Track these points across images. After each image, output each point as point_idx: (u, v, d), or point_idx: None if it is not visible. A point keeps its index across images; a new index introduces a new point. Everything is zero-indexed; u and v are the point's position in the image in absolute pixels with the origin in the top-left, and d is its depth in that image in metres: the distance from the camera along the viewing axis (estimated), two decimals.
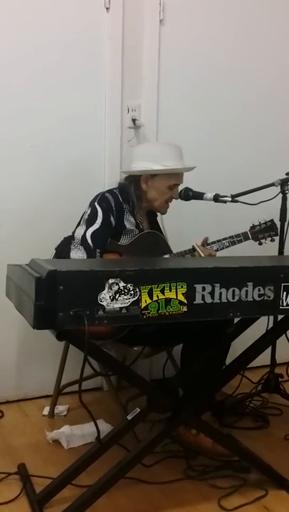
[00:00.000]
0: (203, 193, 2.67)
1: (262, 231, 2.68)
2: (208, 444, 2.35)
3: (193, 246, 2.60)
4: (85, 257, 2.39)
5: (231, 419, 2.72)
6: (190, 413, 2.13)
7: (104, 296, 1.65)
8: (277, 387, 2.92)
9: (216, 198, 2.63)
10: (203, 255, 2.54)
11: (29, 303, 1.64)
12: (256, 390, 2.95)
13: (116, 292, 1.66)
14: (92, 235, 2.43)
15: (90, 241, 2.41)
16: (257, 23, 3.24)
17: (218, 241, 2.63)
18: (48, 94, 2.82)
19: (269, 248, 2.79)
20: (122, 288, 1.66)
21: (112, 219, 2.49)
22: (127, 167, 2.62)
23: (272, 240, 2.71)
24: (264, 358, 2.70)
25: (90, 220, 2.46)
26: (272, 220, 2.69)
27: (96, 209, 2.49)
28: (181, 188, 2.69)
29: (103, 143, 2.96)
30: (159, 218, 3.04)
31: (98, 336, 2.23)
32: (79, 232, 2.45)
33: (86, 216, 2.50)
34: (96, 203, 2.51)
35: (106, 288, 1.65)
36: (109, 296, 1.66)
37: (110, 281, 1.65)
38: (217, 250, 2.63)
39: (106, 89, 2.94)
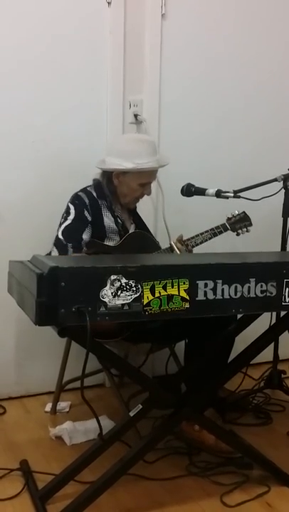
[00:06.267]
0: (206, 189, 2.66)
1: (238, 222, 2.70)
2: (210, 440, 2.35)
3: (171, 244, 2.58)
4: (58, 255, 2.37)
5: (234, 416, 2.72)
6: (192, 409, 2.13)
7: (106, 293, 1.65)
8: (280, 384, 2.92)
9: (218, 194, 2.62)
10: (180, 253, 2.54)
11: (31, 299, 1.64)
12: (259, 387, 2.94)
13: (118, 289, 1.65)
14: (64, 230, 2.42)
15: (61, 237, 2.41)
16: (260, 16, 3.21)
17: (201, 234, 2.63)
18: (50, 90, 2.80)
19: (271, 244, 2.79)
20: (124, 284, 1.66)
21: (86, 214, 2.47)
22: (101, 160, 2.60)
23: (248, 231, 2.72)
24: (267, 354, 2.70)
25: (64, 219, 2.46)
26: (244, 212, 2.70)
27: (69, 207, 2.49)
28: (183, 183, 2.68)
29: (105, 138, 2.94)
30: (160, 215, 3.04)
31: (102, 335, 2.21)
32: (55, 236, 2.45)
33: (61, 219, 2.49)
34: (69, 202, 2.50)
35: (108, 284, 1.64)
36: (111, 293, 1.65)
37: (112, 277, 1.65)
38: (201, 243, 2.61)
39: (108, 84, 2.93)
